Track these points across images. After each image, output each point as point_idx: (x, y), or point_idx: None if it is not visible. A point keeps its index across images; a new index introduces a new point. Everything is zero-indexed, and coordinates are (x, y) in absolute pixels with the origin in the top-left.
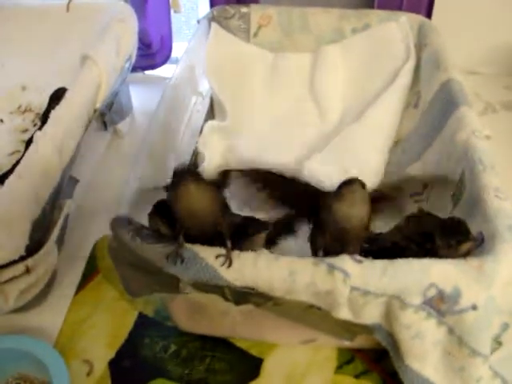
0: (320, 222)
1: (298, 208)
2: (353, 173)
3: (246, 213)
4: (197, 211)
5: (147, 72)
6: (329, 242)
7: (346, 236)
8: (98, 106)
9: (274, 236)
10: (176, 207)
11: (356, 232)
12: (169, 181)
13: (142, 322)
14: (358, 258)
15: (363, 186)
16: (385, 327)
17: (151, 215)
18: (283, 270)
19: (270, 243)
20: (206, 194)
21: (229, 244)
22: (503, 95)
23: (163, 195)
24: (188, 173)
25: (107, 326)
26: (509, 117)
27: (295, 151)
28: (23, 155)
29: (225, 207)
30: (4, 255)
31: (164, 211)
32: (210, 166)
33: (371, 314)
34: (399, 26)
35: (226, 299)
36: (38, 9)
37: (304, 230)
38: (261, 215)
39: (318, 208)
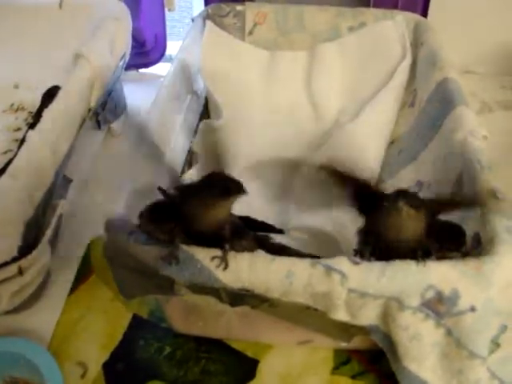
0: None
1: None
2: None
3: None
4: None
5: (141, 70)
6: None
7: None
8: (92, 104)
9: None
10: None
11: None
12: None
13: (137, 323)
14: (356, 259)
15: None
16: (382, 329)
17: (144, 220)
18: (280, 271)
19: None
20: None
21: (227, 246)
22: (499, 95)
23: (159, 196)
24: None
25: (101, 327)
26: (505, 116)
27: (291, 151)
28: (16, 154)
29: None
30: None
31: (157, 215)
32: (204, 165)
33: (368, 316)
34: (395, 25)
35: (222, 301)
36: (31, 6)
37: None
38: None
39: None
